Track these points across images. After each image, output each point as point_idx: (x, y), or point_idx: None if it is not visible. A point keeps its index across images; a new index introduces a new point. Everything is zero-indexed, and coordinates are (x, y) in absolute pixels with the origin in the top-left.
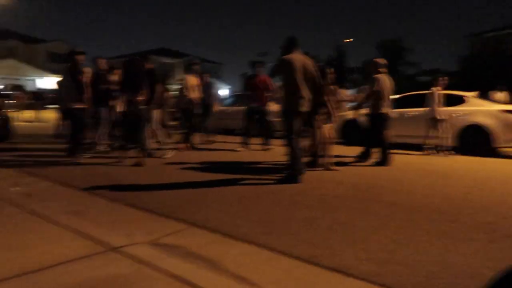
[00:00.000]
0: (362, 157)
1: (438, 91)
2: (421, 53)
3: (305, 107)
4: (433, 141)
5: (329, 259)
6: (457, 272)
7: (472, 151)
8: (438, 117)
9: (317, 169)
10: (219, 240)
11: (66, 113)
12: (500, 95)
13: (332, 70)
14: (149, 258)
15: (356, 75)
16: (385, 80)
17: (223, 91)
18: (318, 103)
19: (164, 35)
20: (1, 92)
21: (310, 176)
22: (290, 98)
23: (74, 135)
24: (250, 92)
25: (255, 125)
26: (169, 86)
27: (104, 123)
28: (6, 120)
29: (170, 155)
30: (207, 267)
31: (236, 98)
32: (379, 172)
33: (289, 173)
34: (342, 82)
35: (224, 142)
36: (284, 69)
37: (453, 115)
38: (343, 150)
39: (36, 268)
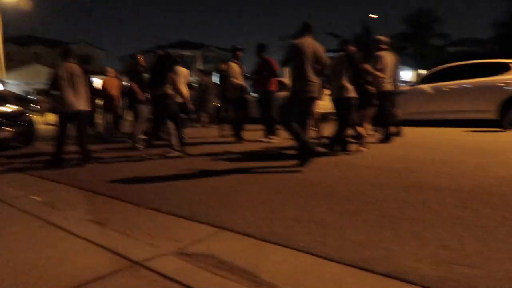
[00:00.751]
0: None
1: None
2: (453, 22)
3: (313, 92)
4: None
5: (383, 262)
6: None
7: None
8: None
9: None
10: (254, 246)
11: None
12: None
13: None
14: (178, 272)
15: None
16: (386, 58)
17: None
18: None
19: (185, 27)
20: (27, 97)
21: (340, 161)
22: (298, 83)
23: (81, 140)
24: (255, 78)
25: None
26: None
27: (142, 120)
28: (29, 125)
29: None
30: (241, 279)
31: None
32: (412, 152)
33: (301, 155)
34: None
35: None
36: (293, 53)
37: (497, 84)
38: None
39: None
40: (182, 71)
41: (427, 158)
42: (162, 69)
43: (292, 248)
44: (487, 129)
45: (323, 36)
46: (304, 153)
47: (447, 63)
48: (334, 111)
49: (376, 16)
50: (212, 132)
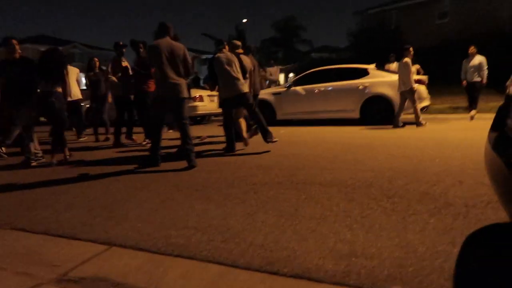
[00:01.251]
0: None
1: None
2: (314, 30)
3: (176, 92)
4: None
5: (289, 263)
6: (421, 254)
7: (376, 120)
8: (415, 88)
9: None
10: (152, 261)
11: None
12: (393, 65)
13: None
14: None
15: (256, 55)
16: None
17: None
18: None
19: (48, 21)
20: None
21: (228, 160)
22: (158, 84)
23: None
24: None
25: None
26: None
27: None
28: None
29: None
30: None
31: None
32: (297, 150)
33: (147, 157)
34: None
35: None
36: (150, 55)
37: (360, 87)
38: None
39: None
40: (72, 69)
41: (310, 155)
42: (54, 65)
43: (194, 259)
44: (363, 127)
45: (200, 37)
46: (148, 161)
47: (312, 67)
48: (223, 111)
49: (247, 20)
50: (86, 136)
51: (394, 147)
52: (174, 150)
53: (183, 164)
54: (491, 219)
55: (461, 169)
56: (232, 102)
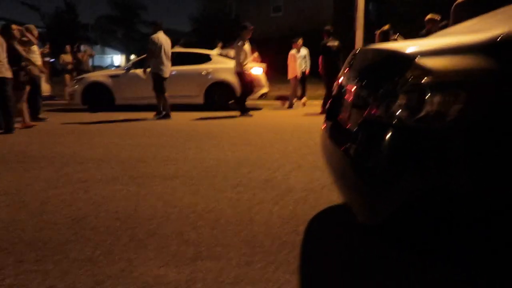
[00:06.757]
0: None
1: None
2: (157, 12)
3: None
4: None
5: (123, 279)
6: (268, 248)
7: (220, 106)
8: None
9: None
10: None
11: None
12: (232, 52)
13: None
14: None
15: (92, 33)
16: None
17: None
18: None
19: None
20: None
21: (51, 156)
22: None
23: None
24: None
25: None
26: None
27: None
28: None
29: None
30: None
31: None
32: (132, 140)
33: None
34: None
35: None
36: None
37: (202, 73)
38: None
39: None
40: None
41: (151, 144)
42: None
43: None
44: (207, 113)
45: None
46: None
47: None
48: None
49: None
50: None
51: (236, 134)
52: None
53: None
54: (326, 202)
55: (299, 154)
56: None
